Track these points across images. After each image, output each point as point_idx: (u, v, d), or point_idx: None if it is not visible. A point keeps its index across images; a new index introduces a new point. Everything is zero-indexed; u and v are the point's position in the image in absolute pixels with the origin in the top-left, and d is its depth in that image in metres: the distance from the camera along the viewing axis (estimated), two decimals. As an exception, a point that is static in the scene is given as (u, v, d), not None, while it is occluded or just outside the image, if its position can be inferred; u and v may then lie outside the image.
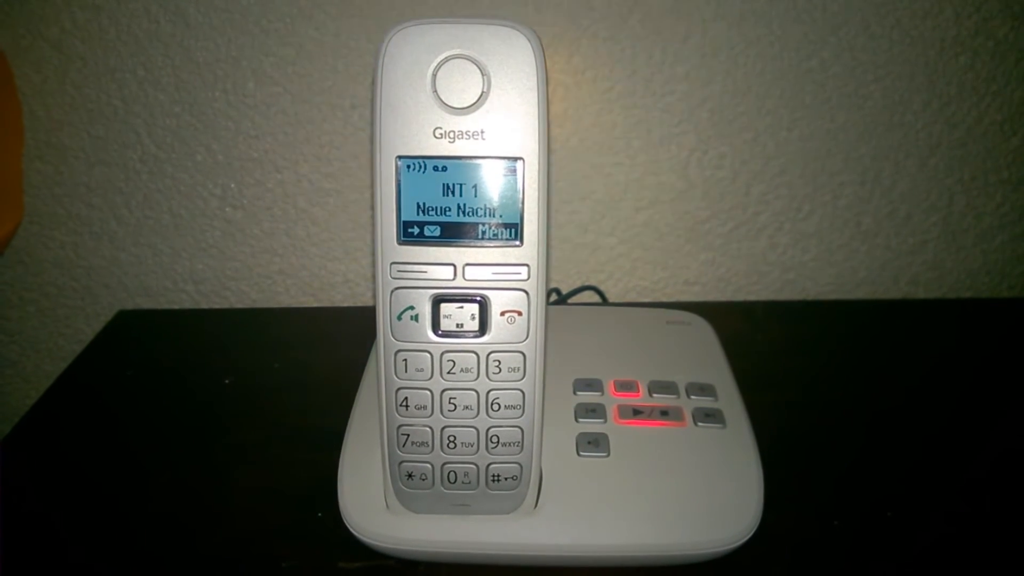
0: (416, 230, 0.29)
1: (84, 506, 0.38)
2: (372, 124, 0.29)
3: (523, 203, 0.29)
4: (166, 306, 0.61)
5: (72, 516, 0.37)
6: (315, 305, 0.61)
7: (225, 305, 0.61)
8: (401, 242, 0.29)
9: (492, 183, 0.29)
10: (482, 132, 0.28)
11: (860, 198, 0.58)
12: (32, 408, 0.45)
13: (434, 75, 0.28)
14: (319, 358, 0.49)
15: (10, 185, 0.55)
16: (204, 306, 0.61)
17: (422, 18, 0.28)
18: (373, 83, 0.28)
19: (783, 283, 0.61)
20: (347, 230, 0.58)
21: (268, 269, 0.60)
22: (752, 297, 0.61)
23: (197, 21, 0.52)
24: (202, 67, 0.53)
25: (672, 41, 0.53)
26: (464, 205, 0.29)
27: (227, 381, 0.47)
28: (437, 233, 0.29)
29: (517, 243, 0.29)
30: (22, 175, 0.56)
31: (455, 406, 0.31)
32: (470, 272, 0.30)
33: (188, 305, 0.61)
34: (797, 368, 0.48)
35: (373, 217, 0.29)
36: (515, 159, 0.28)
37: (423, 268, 0.30)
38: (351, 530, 0.34)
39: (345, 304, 0.61)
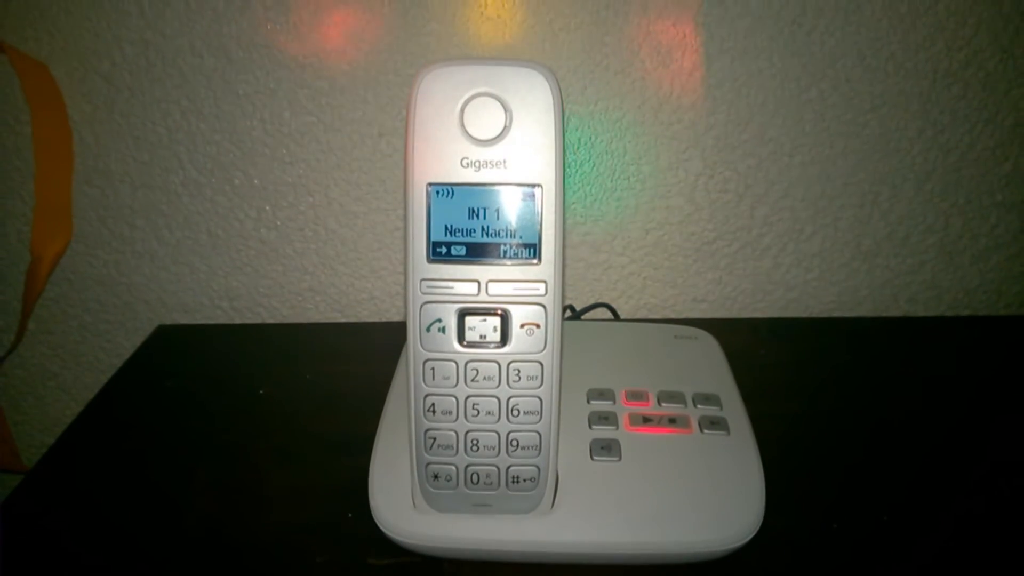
0: (444, 250, 0.31)
1: (128, 507, 0.39)
2: (405, 154, 0.30)
3: (541, 225, 0.31)
4: (203, 321, 0.62)
5: (117, 515, 0.39)
6: (343, 321, 0.62)
7: (258, 320, 0.62)
8: (430, 260, 0.31)
9: (513, 207, 0.30)
10: (504, 161, 0.30)
11: (860, 220, 0.59)
12: (76, 419, 0.46)
13: (462, 111, 0.30)
14: (347, 370, 0.50)
15: (61, 207, 0.57)
16: (238, 321, 0.62)
17: (450, 59, 0.30)
18: (406, 117, 0.30)
19: (787, 301, 0.62)
20: (373, 250, 0.60)
21: (299, 287, 0.61)
22: (757, 314, 0.62)
23: (238, 56, 0.54)
24: (241, 98, 0.55)
25: (679, 74, 0.54)
26: (488, 227, 0.31)
27: (261, 391, 0.48)
28: (463, 252, 0.31)
29: (535, 262, 0.31)
30: (71, 198, 0.58)
31: (478, 411, 0.33)
32: (493, 288, 0.31)
33: (223, 320, 0.62)
34: (800, 381, 0.49)
35: (405, 238, 0.31)
36: (534, 185, 0.30)
37: (450, 284, 0.31)
38: (381, 528, 0.35)
39: (371, 320, 0.62)
